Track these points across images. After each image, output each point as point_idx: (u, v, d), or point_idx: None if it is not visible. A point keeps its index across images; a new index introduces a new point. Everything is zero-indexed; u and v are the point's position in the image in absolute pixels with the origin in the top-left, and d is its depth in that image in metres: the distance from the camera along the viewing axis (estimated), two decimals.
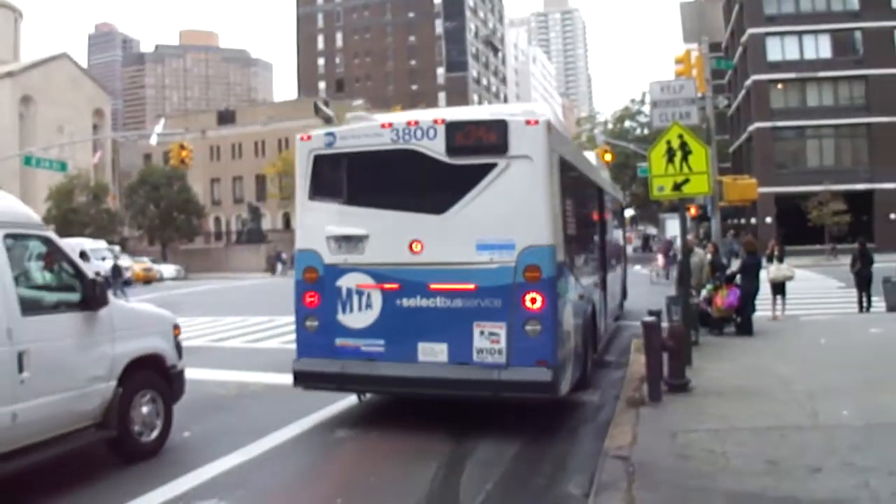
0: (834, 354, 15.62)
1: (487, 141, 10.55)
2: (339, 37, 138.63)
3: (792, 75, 64.15)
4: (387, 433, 11.39)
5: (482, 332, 10.49)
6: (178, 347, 10.75)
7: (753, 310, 19.25)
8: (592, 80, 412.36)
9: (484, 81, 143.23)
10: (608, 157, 42.89)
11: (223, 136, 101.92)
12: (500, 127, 10.53)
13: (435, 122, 10.80)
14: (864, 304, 23.15)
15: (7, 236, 8.30)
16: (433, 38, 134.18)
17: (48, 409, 8.35)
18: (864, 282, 22.99)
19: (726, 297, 18.65)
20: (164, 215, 77.64)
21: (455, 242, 10.64)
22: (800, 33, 64.46)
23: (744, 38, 67.14)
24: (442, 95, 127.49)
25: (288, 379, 11.80)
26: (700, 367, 14.12)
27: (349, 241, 11.08)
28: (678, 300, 16.17)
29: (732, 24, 71.40)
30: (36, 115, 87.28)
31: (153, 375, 10.08)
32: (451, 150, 10.65)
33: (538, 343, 10.34)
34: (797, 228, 56.92)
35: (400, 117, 11.79)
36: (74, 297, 9.16)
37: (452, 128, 10.70)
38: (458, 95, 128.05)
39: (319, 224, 11.29)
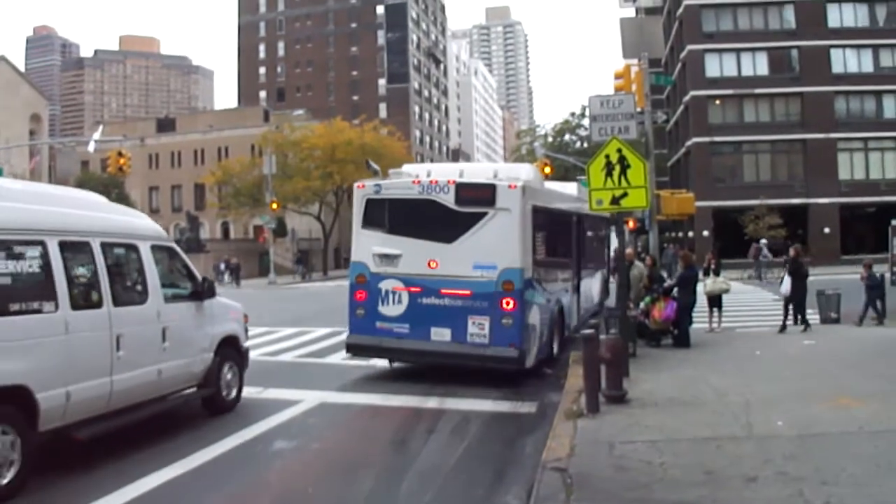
0: (769, 366, 15.87)
1: (482, 197, 15.43)
2: (280, 46, 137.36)
3: (729, 91, 64.95)
4: (327, 444, 11.40)
5: (474, 323, 15.33)
6: (246, 331, 14.51)
7: (690, 322, 19.47)
8: (534, 92, 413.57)
9: (425, 93, 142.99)
10: (547, 170, 43.52)
11: (162, 143, 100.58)
12: (491, 188, 15.42)
13: (449, 182, 15.70)
14: (799, 317, 23.49)
15: (152, 247, 11.92)
16: (375, 49, 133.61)
17: (177, 369, 11.91)
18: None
19: (664, 310, 18.86)
20: None
21: (458, 262, 15.43)
22: (738, 50, 65.33)
23: (683, 55, 67.88)
24: (383, 106, 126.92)
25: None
26: (637, 378, 14.26)
27: (388, 258, 15.98)
28: (616, 312, 16.32)
29: (672, 41, 72.19)
30: None
31: (233, 351, 13.63)
32: (458, 202, 15.54)
33: (510, 332, 15.17)
34: (734, 242, 57.65)
35: (425, 176, 16.43)
36: (187, 290, 12.77)
37: (460, 187, 15.64)
38: (400, 107, 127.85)
39: (368, 245, 16.26)
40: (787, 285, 22.04)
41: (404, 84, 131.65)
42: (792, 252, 23.16)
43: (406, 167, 18.69)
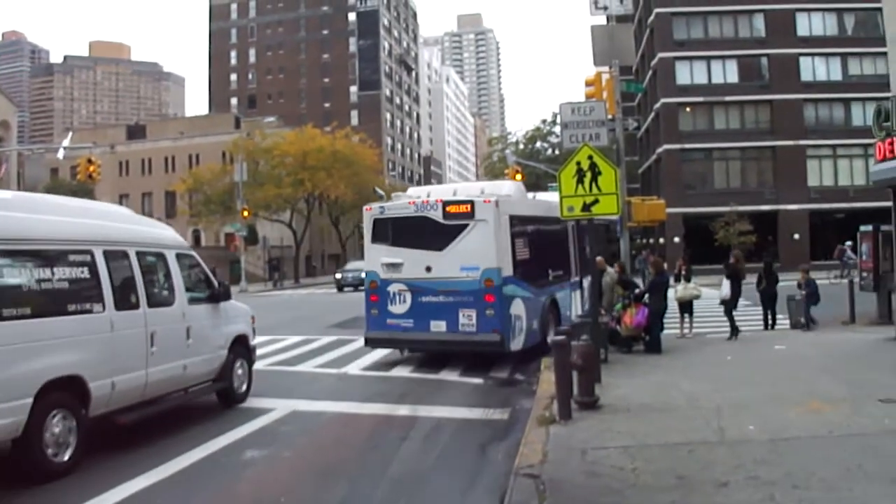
0: (740, 371, 15.91)
1: (464, 212, 18.22)
2: (252, 52, 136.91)
3: (700, 99, 65.39)
4: (300, 453, 11.32)
5: (464, 315, 18.08)
6: (254, 331, 15.94)
7: (662, 328, 19.52)
8: (505, 100, 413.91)
9: (397, 100, 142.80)
10: (518, 177, 43.82)
11: (132, 150, 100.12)
12: (470, 203, 18.23)
13: (437, 201, 18.72)
14: (769, 322, 23.60)
15: (177, 254, 13.45)
16: (347, 56, 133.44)
17: (198, 365, 13.33)
18: (769, 300, 23.44)
19: (635, 316, 18.89)
20: None
21: (449, 266, 18.22)
22: (708, 58, 65.80)
23: (654, 62, 68.27)
24: (354, 114, 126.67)
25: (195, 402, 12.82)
26: (609, 384, 14.26)
27: (393, 266, 18.94)
28: (587, 319, 16.35)
29: (643, 48, 72.59)
30: None
31: (243, 349, 15.09)
32: (445, 216, 18.36)
33: (493, 320, 17.86)
34: (704, 248, 57.93)
35: (419, 198, 19.80)
36: (205, 293, 14.21)
37: (446, 204, 18.48)
38: (371, 114, 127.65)
39: (377, 256, 19.33)
40: (725, 289, 22.04)
41: (376, 91, 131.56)
42: (732, 258, 23.19)
43: (410, 190, 23.57)
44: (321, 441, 12.14)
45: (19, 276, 9.82)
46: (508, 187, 21.47)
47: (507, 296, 18.12)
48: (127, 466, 10.18)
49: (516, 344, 18.35)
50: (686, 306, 22.16)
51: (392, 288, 19.05)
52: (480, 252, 17.97)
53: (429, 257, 18.58)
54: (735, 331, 21.49)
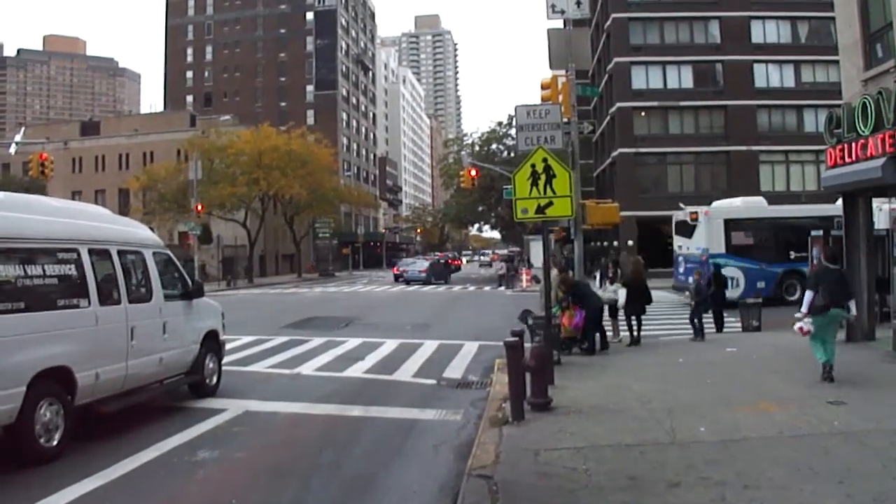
0: (691, 373, 16.07)
1: (695, 218, 34.38)
2: (208, 50, 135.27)
3: (655, 103, 65.80)
4: (252, 454, 11.21)
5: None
6: (224, 326, 16.68)
7: (596, 330, 19.54)
8: (462, 101, 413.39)
9: (353, 100, 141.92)
10: (473, 172, 45.68)
11: (86, 147, 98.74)
12: (696, 213, 34.93)
13: (688, 212, 35.26)
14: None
15: (154, 253, 14.17)
16: (304, 56, 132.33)
17: (173, 358, 13.99)
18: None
19: (573, 318, 18.95)
20: None
21: (693, 247, 33.95)
22: (663, 64, 66.28)
23: (610, 67, 68.64)
24: (311, 113, 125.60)
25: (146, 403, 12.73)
26: (562, 386, 14.33)
27: (679, 247, 37.40)
28: (541, 319, 16.35)
29: (599, 53, 72.93)
30: None
31: (214, 343, 15.80)
32: (690, 221, 32.55)
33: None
34: (659, 251, 58.29)
35: (689, 211, 36.84)
36: (179, 291, 14.87)
37: (689, 213, 34.91)
38: (327, 113, 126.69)
39: (677, 243, 37.81)
40: (621, 297, 21.93)
41: (332, 91, 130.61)
42: (630, 268, 22.88)
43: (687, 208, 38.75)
44: (274, 442, 12.04)
45: (14, 272, 10.44)
46: (740, 201, 37.67)
47: (717, 264, 27.13)
48: (75, 468, 10.02)
49: (731, 294, 28.64)
50: (610, 309, 22.04)
51: (679, 259, 36.08)
52: (702, 239, 33.15)
53: (688, 241, 34.57)
54: (635, 340, 21.45)
